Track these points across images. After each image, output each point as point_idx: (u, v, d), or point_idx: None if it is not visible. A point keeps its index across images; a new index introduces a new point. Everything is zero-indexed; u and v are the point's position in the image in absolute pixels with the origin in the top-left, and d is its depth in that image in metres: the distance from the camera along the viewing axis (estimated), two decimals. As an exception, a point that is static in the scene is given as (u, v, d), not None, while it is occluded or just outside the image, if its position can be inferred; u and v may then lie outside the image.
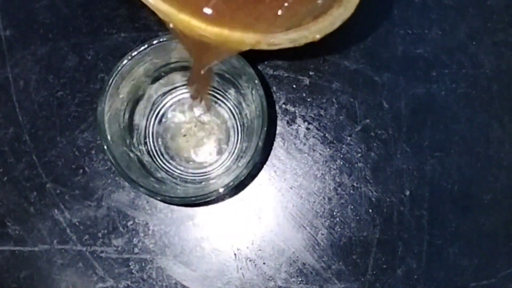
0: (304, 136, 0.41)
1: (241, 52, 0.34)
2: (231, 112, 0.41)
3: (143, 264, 0.40)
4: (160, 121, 0.41)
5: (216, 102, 0.41)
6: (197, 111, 0.41)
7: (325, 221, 0.40)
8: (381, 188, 0.40)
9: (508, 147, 0.41)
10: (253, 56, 0.41)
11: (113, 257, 0.40)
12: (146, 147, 0.40)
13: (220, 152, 0.40)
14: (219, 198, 0.40)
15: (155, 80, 0.39)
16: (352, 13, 0.30)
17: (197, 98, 0.39)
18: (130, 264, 0.40)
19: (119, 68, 0.37)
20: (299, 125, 0.41)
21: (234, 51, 0.33)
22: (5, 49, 0.42)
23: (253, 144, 0.38)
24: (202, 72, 0.35)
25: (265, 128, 0.36)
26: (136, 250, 0.40)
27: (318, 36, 0.30)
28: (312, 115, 0.41)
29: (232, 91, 0.40)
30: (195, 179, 0.40)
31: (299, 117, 0.41)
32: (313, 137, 0.41)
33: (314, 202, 0.40)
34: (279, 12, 0.30)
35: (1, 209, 0.40)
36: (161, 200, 0.39)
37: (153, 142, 0.40)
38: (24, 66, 0.42)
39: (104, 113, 0.37)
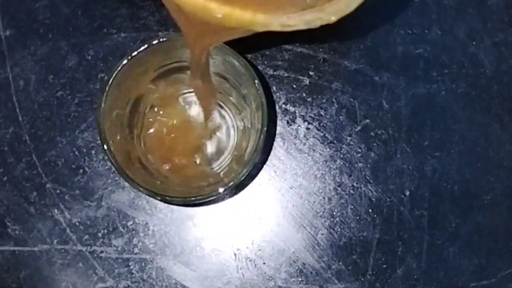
0: (304, 136, 0.41)
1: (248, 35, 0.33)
2: (231, 112, 0.41)
3: (143, 264, 0.40)
4: (160, 121, 0.41)
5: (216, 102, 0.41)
6: (197, 111, 0.41)
7: (325, 221, 0.40)
8: (381, 188, 0.40)
9: (508, 147, 0.41)
10: (255, 55, 0.41)
11: (113, 257, 0.40)
12: (146, 147, 0.40)
13: (220, 152, 0.40)
14: (219, 198, 0.40)
15: (155, 80, 0.39)
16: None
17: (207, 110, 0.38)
18: (130, 264, 0.40)
19: (119, 68, 0.37)
20: (299, 125, 0.41)
21: (244, 32, 0.32)
22: (5, 49, 0.42)
23: (253, 144, 0.38)
24: (202, 61, 0.34)
25: (265, 128, 0.36)
26: (136, 250, 0.40)
27: (333, 18, 0.29)
28: (312, 115, 0.41)
29: (232, 91, 0.40)
30: (195, 179, 0.40)
31: (299, 117, 0.41)
32: (313, 137, 0.41)
33: (314, 202, 0.40)
34: None
35: (1, 209, 0.40)
36: (161, 200, 0.39)
37: (153, 142, 0.40)
38: (24, 66, 0.42)
39: (104, 113, 0.37)
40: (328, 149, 0.41)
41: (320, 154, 0.41)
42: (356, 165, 0.40)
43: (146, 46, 0.36)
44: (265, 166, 0.41)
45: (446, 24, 0.42)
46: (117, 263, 0.40)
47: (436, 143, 0.41)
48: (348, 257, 0.40)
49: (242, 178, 0.36)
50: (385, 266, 0.40)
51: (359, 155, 0.41)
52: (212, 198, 0.37)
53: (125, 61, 0.37)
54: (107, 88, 0.37)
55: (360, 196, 0.40)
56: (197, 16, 0.29)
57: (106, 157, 0.40)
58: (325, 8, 0.29)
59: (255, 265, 0.40)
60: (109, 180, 0.41)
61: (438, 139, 0.41)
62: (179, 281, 0.40)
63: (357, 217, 0.40)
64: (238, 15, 0.28)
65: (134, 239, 0.40)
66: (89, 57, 0.42)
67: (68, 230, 0.40)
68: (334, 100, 0.41)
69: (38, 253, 0.40)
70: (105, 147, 0.36)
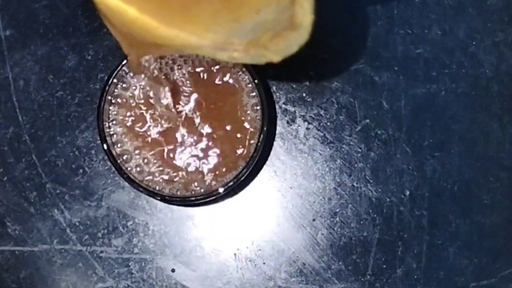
0: (304, 136, 0.41)
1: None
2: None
3: (143, 264, 0.40)
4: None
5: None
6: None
7: (325, 221, 0.40)
8: (381, 188, 0.40)
9: (508, 147, 0.41)
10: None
11: (113, 257, 0.40)
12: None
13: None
14: (219, 198, 0.40)
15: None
16: (308, 40, 0.30)
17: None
18: (130, 264, 0.40)
19: (119, 68, 0.37)
20: (299, 125, 0.41)
21: (176, 51, 0.32)
22: (5, 49, 0.42)
23: (253, 144, 0.38)
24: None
25: (265, 128, 0.36)
26: (136, 250, 0.40)
27: (276, 58, 0.30)
28: (312, 115, 0.41)
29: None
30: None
31: (299, 117, 0.41)
32: (313, 137, 0.41)
33: (314, 202, 0.40)
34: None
35: (1, 209, 0.41)
36: (161, 200, 0.39)
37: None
38: (24, 66, 0.42)
39: (103, 113, 0.37)
40: (328, 149, 0.41)
41: (320, 154, 0.41)
42: (356, 165, 0.40)
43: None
44: (265, 166, 0.41)
45: (446, 24, 0.42)
46: (117, 263, 0.40)
47: (436, 143, 0.41)
48: (348, 257, 0.40)
49: (242, 178, 0.36)
50: (385, 266, 0.40)
51: (359, 155, 0.41)
52: (212, 198, 0.37)
53: (125, 61, 0.37)
54: (106, 88, 0.37)
55: (360, 196, 0.40)
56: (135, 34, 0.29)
57: (106, 157, 0.40)
58: (268, 47, 0.30)
59: (255, 265, 0.40)
60: (109, 180, 0.41)
61: (438, 139, 0.41)
62: (179, 281, 0.40)
63: (357, 217, 0.40)
64: (182, 40, 0.28)
65: (134, 239, 0.40)
66: (89, 57, 0.42)
67: (68, 230, 0.40)
68: (334, 100, 0.41)
69: (38, 253, 0.40)
70: (105, 147, 0.37)
